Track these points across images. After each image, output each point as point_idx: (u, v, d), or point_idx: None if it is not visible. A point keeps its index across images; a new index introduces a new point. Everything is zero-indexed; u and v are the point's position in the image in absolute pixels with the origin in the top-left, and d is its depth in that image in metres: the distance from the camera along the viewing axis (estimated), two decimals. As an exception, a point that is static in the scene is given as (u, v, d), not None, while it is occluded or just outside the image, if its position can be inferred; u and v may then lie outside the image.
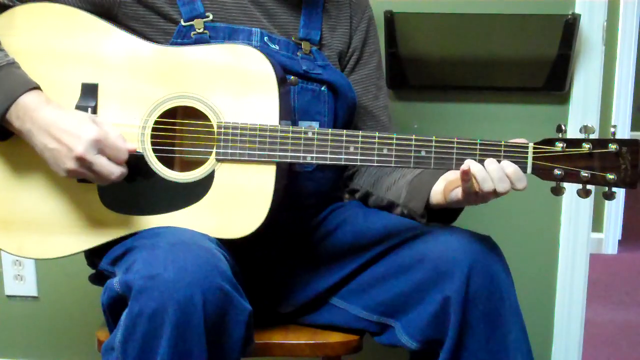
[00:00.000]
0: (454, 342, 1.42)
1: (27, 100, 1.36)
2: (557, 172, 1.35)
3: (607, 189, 1.36)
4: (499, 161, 1.37)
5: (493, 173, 1.36)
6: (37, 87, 1.38)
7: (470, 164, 1.36)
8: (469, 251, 1.44)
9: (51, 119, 1.35)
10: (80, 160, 1.33)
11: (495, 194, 1.37)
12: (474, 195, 1.39)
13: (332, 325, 1.61)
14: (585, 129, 1.35)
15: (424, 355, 1.49)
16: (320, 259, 1.61)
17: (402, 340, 1.50)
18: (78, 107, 1.42)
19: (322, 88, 1.57)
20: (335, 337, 1.59)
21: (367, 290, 1.55)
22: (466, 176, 1.36)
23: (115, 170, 1.36)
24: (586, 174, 1.34)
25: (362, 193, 1.68)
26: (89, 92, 1.43)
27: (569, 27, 2.00)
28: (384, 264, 1.53)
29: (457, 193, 1.42)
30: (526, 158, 1.36)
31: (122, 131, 1.40)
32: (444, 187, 1.45)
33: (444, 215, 1.53)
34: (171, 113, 1.44)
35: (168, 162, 1.45)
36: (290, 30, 1.59)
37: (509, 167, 1.37)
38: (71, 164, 1.33)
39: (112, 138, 1.36)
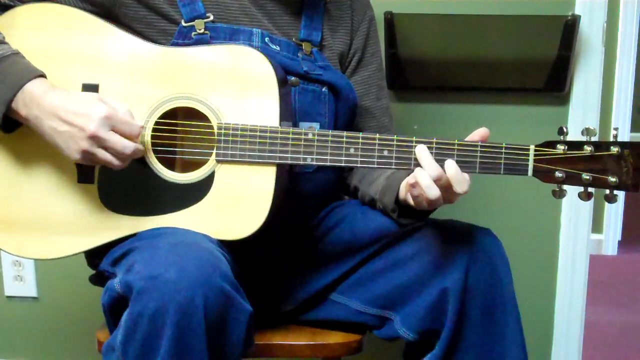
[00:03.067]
0: (450, 332, 1.43)
1: (33, 87, 1.36)
2: (558, 174, 1.35)
3: (608, 191, 1.36)
4: (441, 163, 1.36)
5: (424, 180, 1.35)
6: (43, 75, 1.39)
7: (417, 172, 1.36)
8: (469, 243, 1.45)
9: (59, 103, 1.35)
10: (94, 138, 1.33)
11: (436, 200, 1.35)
12: (423, 201, 1.38)
13: (332, 320, 1.61)
14: (587, 131, 1.35)
15: (419, 346, 1.51)
16: (319, 256, 1.61)
17: (399, 331, 1.51)
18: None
19: (323, 89, 1.57)
20: (335, 338, 1.59)
21: (367, 284, 1.55)
22: (415, 186, 1.37)
23: (129, 145, 1.36)
24: (588, 177, 1.34)
25: (352, 189, 1.69)
26: (90, 92, 1.42)
27: (569, 28, 2.00)
28: (383, 257, 1.54)
29: (409, 196, 1.42)
30: (527, 160, 1.36)
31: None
32: (406, 182, 1.45)
33: (416, 213, 1.50)
34: (172, 114, 1.44)
35: (168, 163, 1.45)
36: (291, 31, 1.59)
37: (451, 168, 1.35)
38: (85, 144, 1.34)
39: (122, 113, 1.36)
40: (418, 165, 1.37)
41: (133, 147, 1.37)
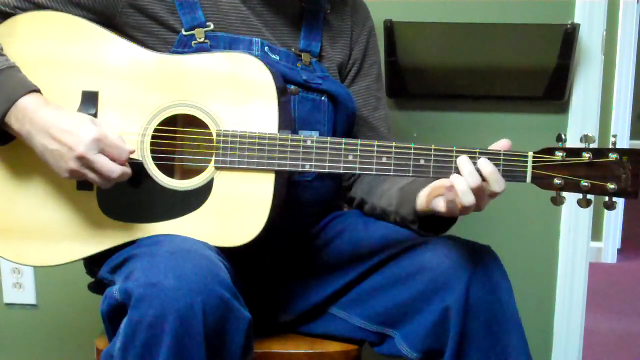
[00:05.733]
0: (454, 352, 1.42)
1: (26, 102, 1.36)
2: (557, 181, 1.35)
3: (607, 198, 1.36)
4: (474, 163, 1.35)
5: (470, 179, 1.34)
6: (37, 90, 1.39)
7: (453, 178, 1.35)
8: (469, 261, 1.44)
9: (50, 120, 1.35)
10: (82, 159, 1.33)
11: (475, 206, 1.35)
12: (455, 207, 1.37)
13: (331, 335, 1.60)
14: (585, 138, 1.35)
15: (423, 366, 1.50)
16: (319, 267, 1.60)
17: (402, 350, 1.49)
18: (78, 115, 1.42)
19: (322, 98, 1.57)
20: (334, 347, 1.58)
21: (367, 300, 1.54)
22: (451, 190, 1.35)
23: (116, 169, 1.35)
24: (586, 184, 1.34)
25: (358, 201, 1.68)
26: (89, 99, 1.43)
27: (569, 36, 2.00)
28: (384, 273, 1.53)
29: (439, 202, 1.40)
30: (525, 167, 1.36)
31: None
32: (428, 192, 1.44)
33: (436, 224, 1.51)
34: (171, 121, 1.44)
35: (167, 170, 1.45)
36: (290, 41, 1.59)
37: (487, 167, 1.34)
38: (72, 164, 1.34)
39: (112, 137, 1.36)
40: (420, 171, 1.38)
41: (119, 172, 1.36)
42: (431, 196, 1.43)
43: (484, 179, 1.34)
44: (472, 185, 1.33)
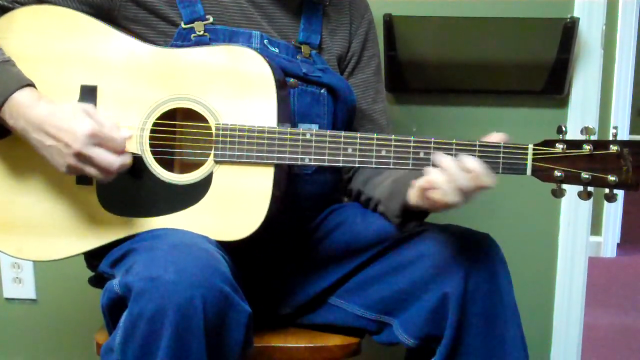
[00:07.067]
0: (451, 338, 1.43)
1: (20, 97, 1.35)
2: (557, 173, 1.35)
3: (608, 190, 1.36)
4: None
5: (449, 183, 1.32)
6: (31, 85, 1.38)
7: (431, 176, 1.33)
8: (469, 249, 1.45)
9: (44, 116, 1.34)
10: (79, 155, 1.33)
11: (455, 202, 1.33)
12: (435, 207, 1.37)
13: (331, 324, 1.61)
14: (586, 130, 1.34)
15: (420, 353, 1.50)
16: (318, 259, 1.61)
17: (399, 337, 1.50)
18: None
19: (322, 91, 1.57)
20: (334, 341, 1.59)
21: (366, 289, 1.55)
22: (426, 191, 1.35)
23: (115, 161, 1.35)
24: (587, 176, 1.34)
25: (355, 193, 1.69)
26: (88, 94, 1.43)
27: (568, 30, 2.00)
28: (383, 262, 1.53)
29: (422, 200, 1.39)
30: (526, 159, 1.36)
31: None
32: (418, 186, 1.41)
33: (418, 216, 1.50)
34: (170, 115, 1.44)
35: (167, 164, 1.45)
36: (290, 34, 1.59)
37: (472, 163, 1.31)
38: (71, 160, 1.33)
39: (107, 129, 1.35)
40: (417, 165, 1.37)
41: (118, 164, 1.36)
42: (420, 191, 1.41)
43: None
44: (462, 186, 1.31)
